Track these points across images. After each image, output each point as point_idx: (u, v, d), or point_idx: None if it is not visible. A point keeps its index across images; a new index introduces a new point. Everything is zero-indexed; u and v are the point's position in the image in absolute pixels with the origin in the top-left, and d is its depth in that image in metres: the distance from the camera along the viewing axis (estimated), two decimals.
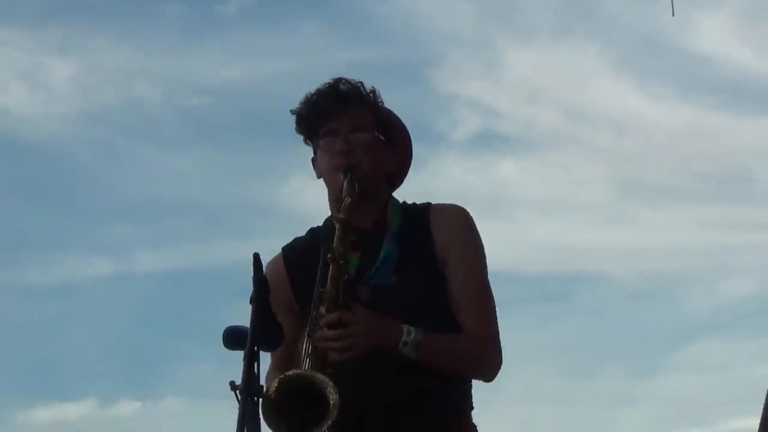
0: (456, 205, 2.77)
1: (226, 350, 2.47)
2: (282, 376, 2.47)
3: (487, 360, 2.68)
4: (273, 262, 2.81)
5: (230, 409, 2.37)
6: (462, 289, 2.67)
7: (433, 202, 2.79)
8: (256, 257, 2.50)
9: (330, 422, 2.42)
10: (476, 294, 2.69)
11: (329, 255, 2.56)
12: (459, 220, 2.74)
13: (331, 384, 2.43)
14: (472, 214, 2.76)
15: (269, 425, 2.40)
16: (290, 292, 2.75)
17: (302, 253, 2.75)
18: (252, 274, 2.48)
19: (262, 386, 2.39)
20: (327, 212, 2.79)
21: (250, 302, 2.46)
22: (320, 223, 2.83)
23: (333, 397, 2.41)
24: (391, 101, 2.82)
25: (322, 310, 2.53)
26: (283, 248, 2.84)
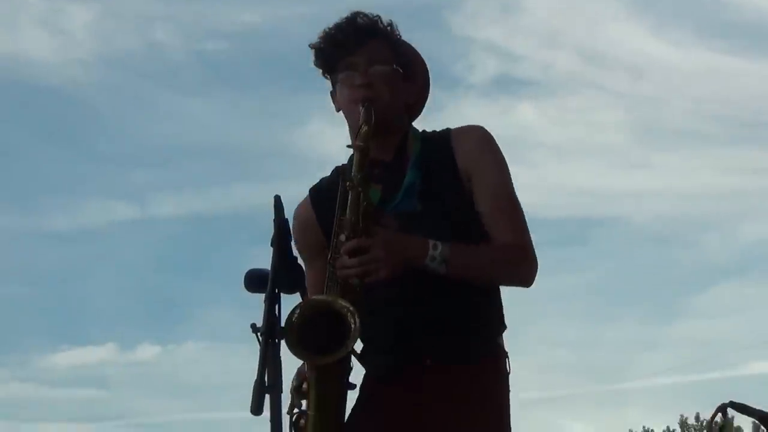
0: (474, 125, 2.78)
1: (245, 294, 2.48)
2: (303, 301, 2.48)
3: (521, 265, 2.69)
4: (301, 205, 2.84)
5: (249, 353, 2.39)
6: (489, 203, 2.68)
7: (452, 128, 2.79)
8: (277, 200, 2.50)
9: (351, 347, 2.43)
10: (504, 206, 2.70)
11: (348, 183, 2.56)
12: (479, 138, 2.74)
13: (351, 309, 2.43)
14: None
15: (290, 349, 2.41)
16: (319, 231, 2.76)
17: (328, 191, 2.74)
18: (273, 217, 2.49)
19: (283, 328, 2.41)
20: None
21: (271, 245, 2.47)
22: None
23: (354, 321, 2.42)
24: None
25: (342, 237, 2.53)
26: (310, 189, 2.86)
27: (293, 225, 2.73)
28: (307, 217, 2.80)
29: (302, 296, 2.55)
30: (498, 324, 2.74)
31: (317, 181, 2.87)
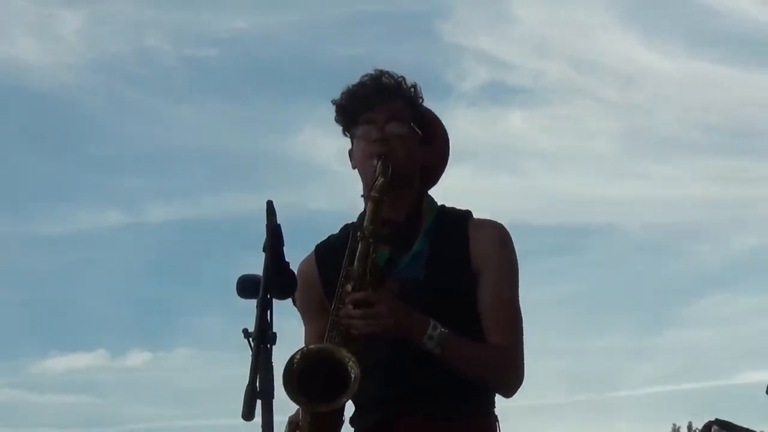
0: (497, 222, 2.77)
1: (235, 302, 2.47)
2: (305, 348, 2.47)
3: (508, 374, 2.68)
4: (305, 261, 2.82)
5: (239, 360, 2.38)
6: (491, 304, 2.67)
7: (473, 213, 2.78)
8: (270, 205, 2.50)
9: (350, 396, 2.43)
10: (505, 310, 2.68)
11: (359, 233, 2.55)
12: (498, 237, 2.73)
13: (353, 359, 2.43)
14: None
15: (290, 396, 2.42)
16: (320, 289, 2.75)
17: (334, 248, 2.74)
18: (265, 222, 2.48)
19: (275, 333, 2.40)
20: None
21: (263, 250, 2.46)
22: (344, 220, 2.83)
23: (354, 371, 2.42)
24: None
25: (348, 287, 2.54)
26: (317, 246, 2.84)
27: (298, 280, 2.70)
28: (310, 274, 2.78)
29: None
30: (485, 396, 2.72)
31: (325, 237, 2.85)
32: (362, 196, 2.71)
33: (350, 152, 2.80)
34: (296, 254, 2.76)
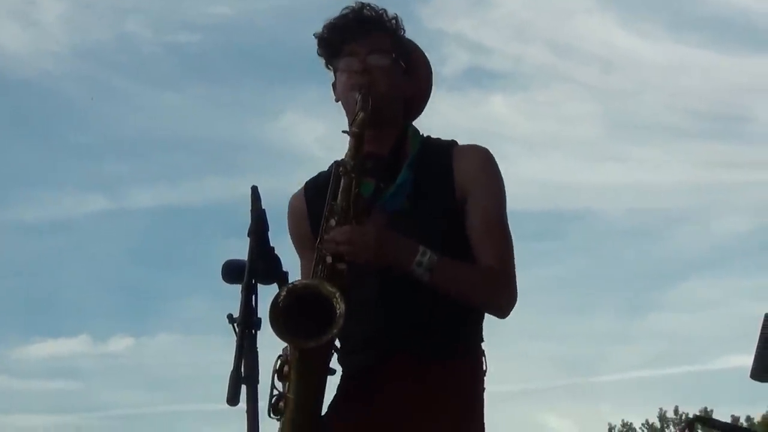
0: (480, 146, 2.77)
1: (218, 287, 2.47)
2: (290, 284, 2.47)
3: (501, 295, 2.67)
4: (295, 196, 2.85)
5: (223, 344, 2.37)
6: (479, 226, 2.67)
7: (458, 141, 2.79)
8: (254, 190, 2.49)
9: (335, 331, 2.42)
10: (494, 232, 2.68)
11: (341, 168, 2.55)
12: (482, 160, 2.74)
13: (338, 294, 2.42)
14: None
15: (276, 333, 2.40)
16: (308, 223, 2.76)
17: (322, 184, 2.73)
18: (250, 207, 2.47)
19: (260, 319, 2.39)
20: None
21: (248, 235, 2.46)
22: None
23: (340, 306, 2.41)
24: None
25: (333, 222, 2.53)
26: (306, 182, 2.86)
27: (287, 214, 2.80)
28: (299, 209, 2.81)
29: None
30: (477, 322, 2.73)
31: (315, 174, 2.85)
32: (344, 131, 2.71)
33: (333, 85, 2.81)
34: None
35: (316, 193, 2.77)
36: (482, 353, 2.71)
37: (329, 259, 2.52)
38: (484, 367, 2.71)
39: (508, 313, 2.69)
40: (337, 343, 2.59)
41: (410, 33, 2.85)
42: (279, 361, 2.58)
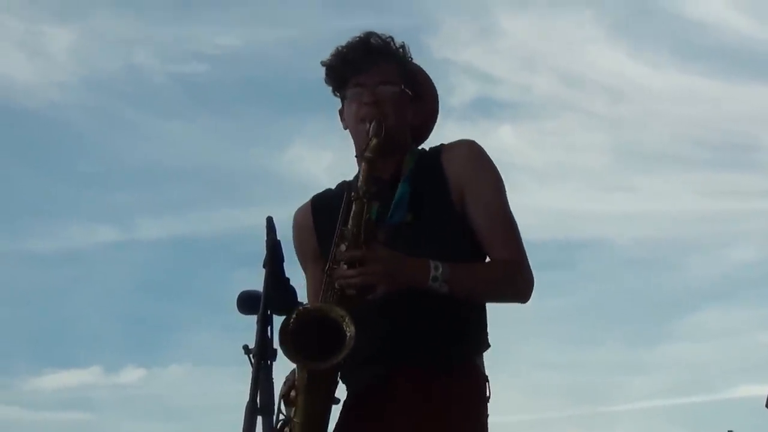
0: (464, 139, 2.78)
1: (230, 316, 2.47)
2: (300, 307, 2.47)
3: (517, 283, 2.68)
4: (300, 210, 2.87)
5: (236, 376, 2.37)
6: (483, 219, 2.68)
7: (445, 143, 2.80)
8: (269, 220, 2.50)
9: (345, 354, 2.42)
10: (498, 221, 2.70)
11: (353, 194, 2.56)
12: (470, 152, 2.75)
13: (348, 317, 2.43)
14: None
15: (286, 355, 2.40)
16: (315, 239, 2.78)
17: (330, 201, 2.75)
18: (265, 238, 2.47)
19: (276, 349, 2.39)
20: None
21: (263, 266, 2.46)
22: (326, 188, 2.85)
23: (350, 329, 2.42)
24: None
25: (343, 248, 2.53)
26: (313, 196, 2.88)
27: (292, 227, 2.81)
28: (305, 224, 2.83)
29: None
30: (478, 340, 2.72)
31: (322, 190, 2.88)
32: (356, 156, 2.71)
33: (340, 112, 2.83)
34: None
35: (324, 209, 2.78)
36: (485, 378, 2.70)
37: (338, 285, 2.53)
38: (488, 393, 2.69)
39: (529, 297, 2.70)
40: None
41: (419, 63, 2.87)
42: (285, 386, 2.59)
